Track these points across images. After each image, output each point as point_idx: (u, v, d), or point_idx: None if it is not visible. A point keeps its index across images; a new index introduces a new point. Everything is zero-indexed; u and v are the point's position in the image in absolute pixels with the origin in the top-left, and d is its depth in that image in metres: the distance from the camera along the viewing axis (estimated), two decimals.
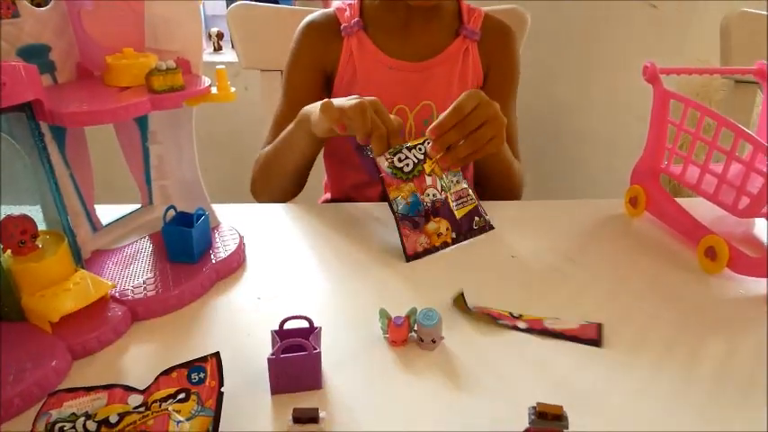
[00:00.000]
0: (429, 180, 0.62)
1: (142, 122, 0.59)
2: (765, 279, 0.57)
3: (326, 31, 0.81)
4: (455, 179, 0.64)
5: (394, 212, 0.60)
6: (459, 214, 0.63)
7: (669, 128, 0.65)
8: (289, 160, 0.75)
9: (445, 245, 0.62)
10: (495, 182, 0.81)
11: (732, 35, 1.06)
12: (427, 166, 0.62)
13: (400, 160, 0.61)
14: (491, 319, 0.49)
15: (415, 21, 0.79)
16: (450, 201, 0.63)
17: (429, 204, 0.62)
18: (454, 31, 0.81)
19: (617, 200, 0.74)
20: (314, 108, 0.67)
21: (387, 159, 0.61)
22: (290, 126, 0.73)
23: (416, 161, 0.62)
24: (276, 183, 0.79)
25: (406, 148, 0.62)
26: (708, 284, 0.57)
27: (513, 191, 0.83)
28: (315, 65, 0.82)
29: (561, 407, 0.36)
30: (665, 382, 0.44)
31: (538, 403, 0.36)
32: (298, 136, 0.72)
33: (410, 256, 0.60)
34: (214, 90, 0.52)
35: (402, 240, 0.60)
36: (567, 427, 0.35)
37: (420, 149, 0.63)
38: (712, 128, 0.59)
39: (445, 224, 0.62)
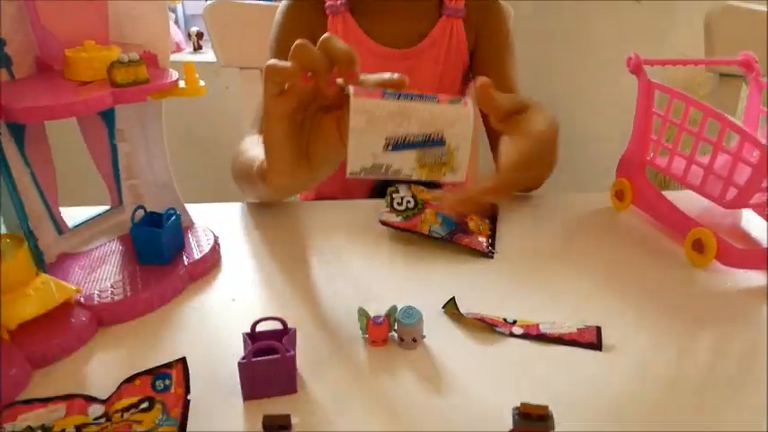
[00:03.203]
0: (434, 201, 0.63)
1: (108, 120, 0.56)
2: (752, 271, 0.56)
3: (313, 3, 0.78)
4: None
5: (442, 239, 0.59)
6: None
7: (654, 119, 0.64)
8: (264, 199, 0.69)
9: (493, 230, 0.63)
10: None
11: (715, 29, 1.06)
12: (423, 195, 0.63)
13: (399, 204, 0.61)
14: (486, 326, 0.47)
15: (399, 3, 0.77)
16: None
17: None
18: (437, 12, 0.79)
19: (603, 193, 0.72)
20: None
21: (389, 212, 0.60)
22: (254, 174, 0.54)
23: (412, 196, 0.62)
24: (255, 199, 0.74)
25: (392, 194, 0.62)
26: (695, 277, 0.56)
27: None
28: (303, 31, 0.78)
29: (546, 407, 0.34)
30: (655, 378, 0.42)
31: (522, 403, 0.34)
32: (268, 189, 0.56)
33: (491, 252, 0.59)
34: (182, 84, 0.50)
35: (473, 249, 0.59)
36: (554, 428, 0.34)
37: (398, 192, 0.62)
38: (698, 119, 0.58)
39: (476, 219, 0.62)
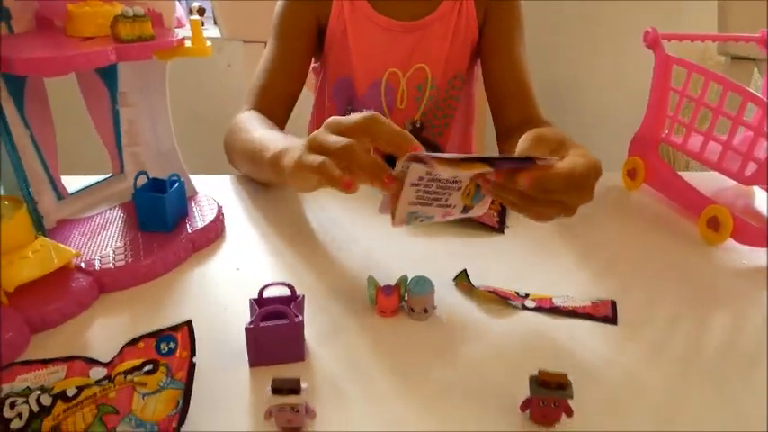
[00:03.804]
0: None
1: (111, 83, 0.55)
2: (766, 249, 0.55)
3: None
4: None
5: (478, 219, 0.56)
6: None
7: (670, 96, 0.63)
8: (262, 181, 0.67)
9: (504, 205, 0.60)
10: None
11: (729, 10, 1.04)
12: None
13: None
14: (498, 299, 0.45)
15: None
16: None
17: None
18: None
19: (612, 173, 0.71)
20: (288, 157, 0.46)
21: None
22: (264, 161, 0.51)
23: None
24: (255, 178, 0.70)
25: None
26: (709, 256, 0.55)
27: None
28: (308, 7, 0.76)
29: (565, 375, 0.33)
30: (670, 354, 0.41)
31: (540, 371, 0.33)
32: (269, 176, 0.56)
33: (502, 227, 0.58)
34: (188, 44, 0.48)
35: (484, 224, 0.57)
36: (572, 396, 0.33)
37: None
38: (716, 95, 0.56)
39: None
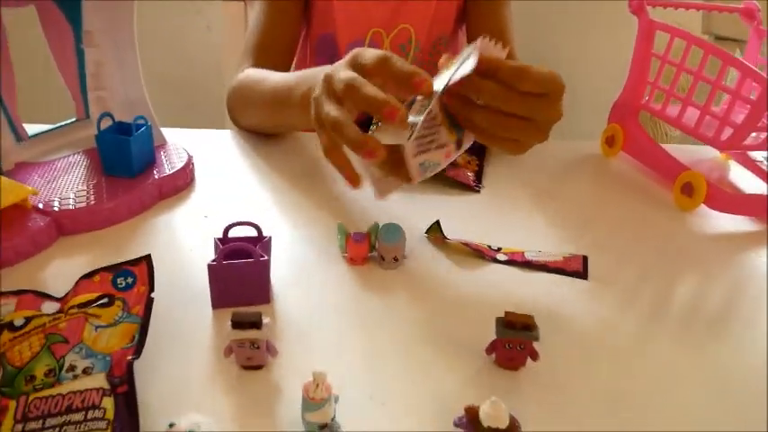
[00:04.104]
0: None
1: (75, 20, 0.52)
2: (739, 216, 0.56)
3: None
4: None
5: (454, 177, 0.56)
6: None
7: (652, 62, 0.62)
8: (284, 128, 0.65)
9: (481, 165, 0.61)
10: None
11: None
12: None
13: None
14: (470, 251, 0.45)
15: None
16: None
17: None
18: None
19: (590, 142, 0.71)
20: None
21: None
22: (294, 102, 0.52)
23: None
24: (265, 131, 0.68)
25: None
26: (682, 221, 0.55)
27: None
28: None
29: (532, 316, 0.32)
30: (638, 307, 0.41)
31: (506, 312, 0.32)
32: (299, 118, 0.53)
33: (477, 187, 0.57)
34: None
35: (459, 182, 0.56)
36: (537, 338, 0.32)
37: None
38: (698, 60, 0.56)
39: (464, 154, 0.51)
